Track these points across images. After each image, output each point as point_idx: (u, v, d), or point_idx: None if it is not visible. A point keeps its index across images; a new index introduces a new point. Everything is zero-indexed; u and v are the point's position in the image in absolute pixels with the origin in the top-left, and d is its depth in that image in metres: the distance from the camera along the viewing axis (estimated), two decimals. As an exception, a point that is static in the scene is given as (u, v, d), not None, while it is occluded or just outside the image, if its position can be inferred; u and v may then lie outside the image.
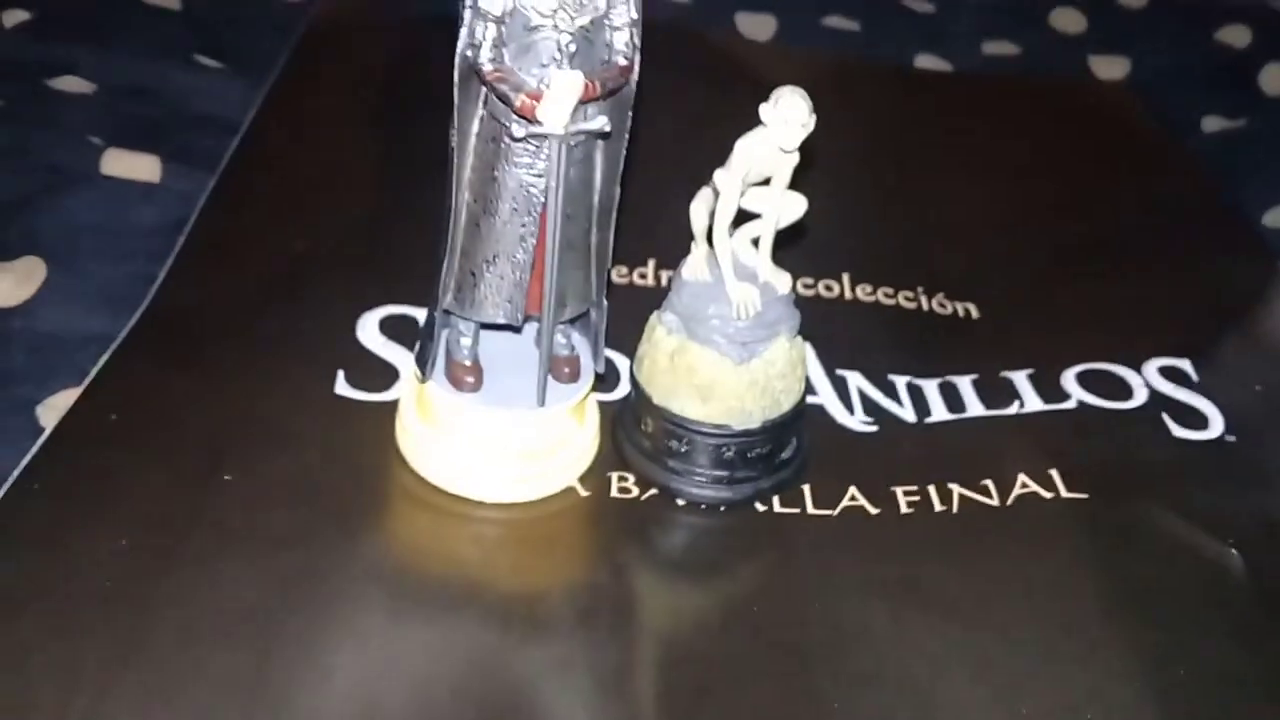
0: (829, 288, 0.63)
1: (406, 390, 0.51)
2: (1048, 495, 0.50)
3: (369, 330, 0.56)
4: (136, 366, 0.51)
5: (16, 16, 0.76)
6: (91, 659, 0.39)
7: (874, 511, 0.50)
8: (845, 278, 0.64)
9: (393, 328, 0.56)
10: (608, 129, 0.42)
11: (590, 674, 0.42)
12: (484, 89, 0.42)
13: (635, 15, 0.42)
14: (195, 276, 0.57)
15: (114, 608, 0.41)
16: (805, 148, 0.46)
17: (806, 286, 0.62)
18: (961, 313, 0.62)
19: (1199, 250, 0.69)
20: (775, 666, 0.43)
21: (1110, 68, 0.91)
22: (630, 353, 0.52)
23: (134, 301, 0.55)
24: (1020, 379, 0.57)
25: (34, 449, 0.46)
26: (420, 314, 0.57)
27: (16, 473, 0.45)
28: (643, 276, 0.62)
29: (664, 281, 0.61)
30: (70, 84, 0.70)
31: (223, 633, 0.41)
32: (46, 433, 0.47)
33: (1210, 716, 0.42)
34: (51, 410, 0.49)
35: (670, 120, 0.68)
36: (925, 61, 0.90)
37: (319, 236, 0.61)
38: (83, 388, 0.49)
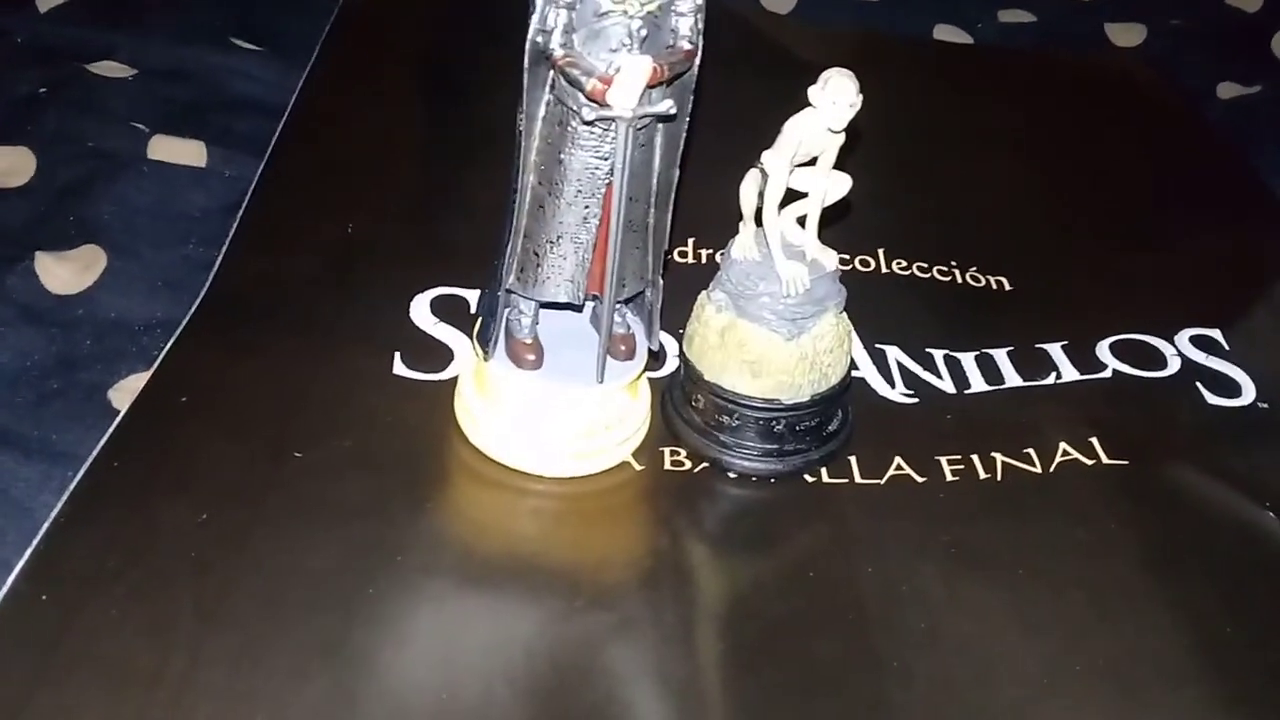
0: (865, 263, 0.64)
1: (466, 368, 0.52)
2: (1089, 462, 0.52)
3: (421, 311, 0.57)
4: (201, 350, 0.52)
5: (52, 0, 0.77)
6: (184, 622, 0.41)
7: (920, 480, 0.51)
8: (880, 252, 0.65)
9: (444, 308, 0.58)
10: (673, 111, 0.43)
11: (654, 633, 0.44)
12: (551, 74, 0.43)
13: (699, 1, 0.43)
14: (251, 261, 0.58)
15: (201, 575, 0.43)
16: (850, 129, 0.47)
17: (843, 261, 0.63)
18: (994, 285, 0.64)
19: (1222, 220, 0.70)
20: (834, 626, 0.45)
21: (1126, 35, 0.92)
22: (673, 329, 0.54)
23: (191, 285, 0.56)
24: (1055, 350, 0.59)
25: (111, 428, 0.48)
26: (468, 294, 0.58)
27: (97, 450, 0.46)
28: (683, 255, 0.63)
29: (704, 259, 0.63)
30: (110, 68, 0.71)
31: (304, 597, 0.43)
32: (122, 414, 0.48)
33: (1258, 668, 0.44)
34: (123, 393, 0.50)
35: (700, 96, 0.69)
36: (943, 32, 0.91)
37: (367, 218, 0.62)
38: (151, 371, 0.51)
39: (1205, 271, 0.65)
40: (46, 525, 0.43)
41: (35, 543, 0.43)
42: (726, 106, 0.65)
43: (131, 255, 0.57)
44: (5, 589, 0.41)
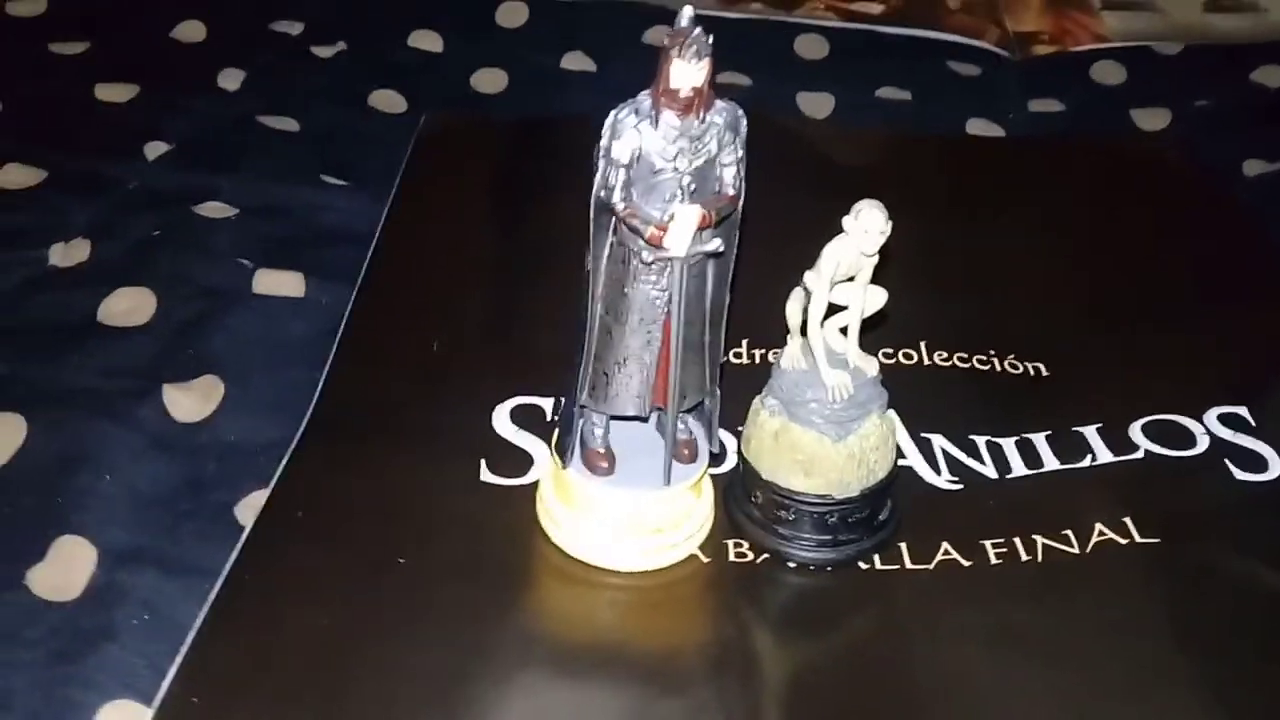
0: (908, 356, 0.69)
1: (546, 475, 0.58)
2: (1123, 541, 0.56)
3: (503, 421, 0.63)
4: (311, 468, 0.59)
5: (158, 149, 0.85)
6: (311, 724, 0.47)
7: (966, 564, 0.56)
8: (923, 345, 0.70)
9: (523, 417, 0.63)
10: (721, 249, 0.49)
11: (723, 718, 0.48)
12: (613, 221, 0.49)
13: (741, 153, 0.49)
14: (349, 381, 0.65)
15: (325, 677, 0.49)
16: (882, 249, 0.53)
17: (887, 356, 0.68)
18: (1032, 371, 0.68)
19: (1248, 298, 0.74)
20: (888, 708, 0.49)
21: (1152, 119, 0.96)
22: (731, 426, 0.59)
23: (299, 406, 0.63)
24: (1091, 433, 0.63)
25: (239, 545, 0.54)
26: (543, 403, 0.64)
27: (230, 565, 0.53)
28: (738, 356, 0.68)
29: (757, 359, 0.68)
30: (214, 209, 0.78)
31: (412, 694, 0.48)
32: (246, 531, 0.55)
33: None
34: (246, 510, 0.57)
35: (746, 204, 0.75)
36: (976, 125, 0.95)
37: (451, 335, 0.69)
38: (270, 490, 0.57)
39: (1232, 349, 0.69)
40: (192, 635, 0.49)
41: (184, 651, 0.49)
42: (769, 211, 0.71)
43: (245, 383, 0.64)
44: (162, 694, 0.47)
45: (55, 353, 0.65)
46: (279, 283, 0.72)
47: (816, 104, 0.97)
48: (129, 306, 0.69)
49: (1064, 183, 0.86)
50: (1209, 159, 0.89)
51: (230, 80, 0.94)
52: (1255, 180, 0.88)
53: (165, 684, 0.47)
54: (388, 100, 0.94)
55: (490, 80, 0.98)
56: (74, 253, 0.74)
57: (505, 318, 0.71)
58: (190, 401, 0.62)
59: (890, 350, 0.69)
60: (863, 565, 0.56)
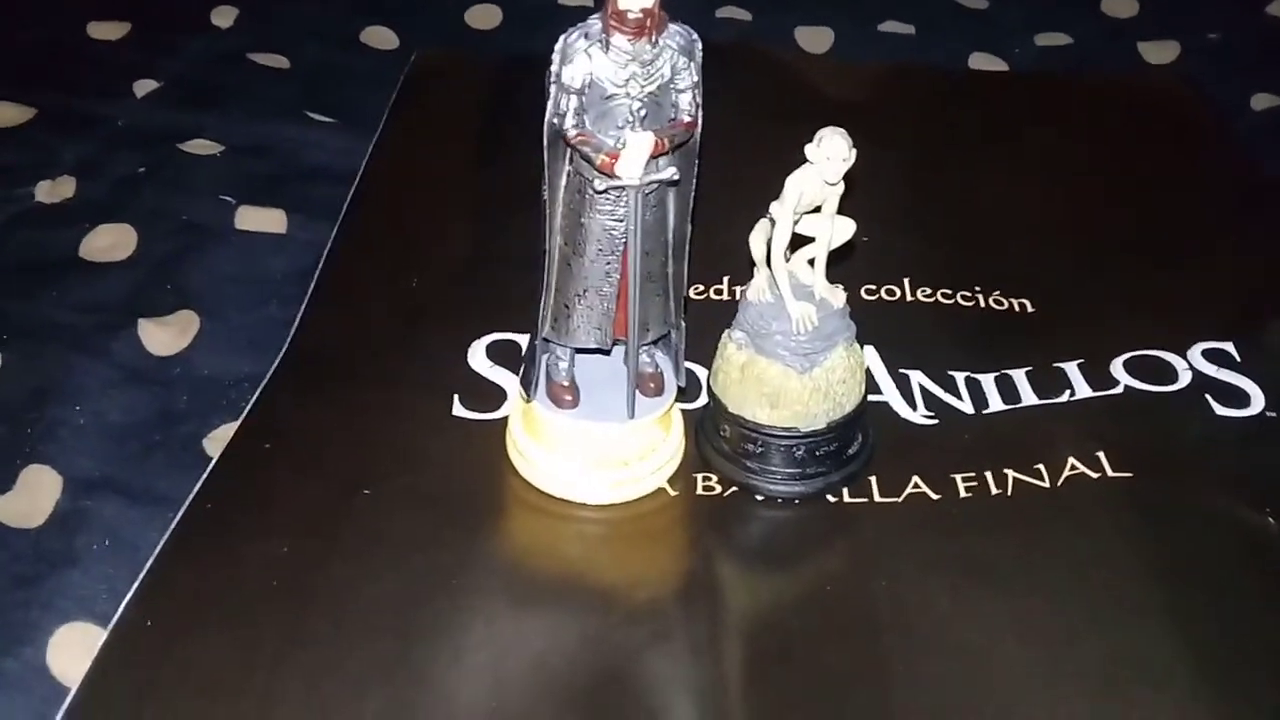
0: (891, 292, 0.68)
1: (514, 409, 0.58)
2: (1094, 475, 0.55)
3: (478, 356, 0.63)
4: (283, 401, 0.59)
5: (146, 86, 0.85)
6: (266, 643, 0.47)
7: (935, 497, 0.55)
8: (906, 282, 0.69)
9: (498, 353, 0.63)
10: (677, 177, 0.48)
11: (684, 645, 0.49)
12: (569, 150, 0.48)
13: (696, 78, 0.48)
14: (326, 317, 0.65)
15: (281, 602, 0.49)
16: (848, 177, 0.52)
17: (869, 293, 0.67)
18: (1017, 307, 0.67)
19: (1244, 234, 0.72)
20: (846, 636, 0.49)
21: (1160, 53, 0.94)
22: (709, 363, 0.59)
23: (274, 342, 0.63)
24: (1072, 369, 0.62)
25: (204, 475, 0.54)
26: (520, 339, 0.64)
27: (193, 494, 0.53)
28: (719, 292, 0.68)
29: (738, 295, 0.67)
30: (200, 146, 0.78)
31: (369, 621, 0.49)
32: (213, 462, 0.55)
33: (1244, 671, 0.47)
34: (215, 442, 0.57)
35: (739, 141, 0.73)
36: (979, 60, 0.94)
37: (430, 273, 0.69)
38: (239, 422, 0.57)
39: (1225, 285, 0.68)
40: (150, 561, 0.50)
41: (141, 576, 0.49)
42: (768, 148, 0.70)
43: (221, 318, 0.64)
44: (117, 616, 0.48)
45: (35, 288, 0.66)
46: (261, 219, 0.72)
47: (815, 38, 0.96)
48: (110, 243, 0.69)
49: (1060, 118, 0.84)
50: (1216, 93, 0.87)
51: (224, 17, 0.94)
52: (1263, 114, 0.86)
53: (121, 607, 0.48)
54: (380, 37, 0.93)
55: (484, 15, 0.97)
56: (60, 190, 0.74)
57: (487, 254, 0.71)
58: (166, 336, 0.63)
59: (873, 286, 0.68)
60: (831, 498, 0.55)
